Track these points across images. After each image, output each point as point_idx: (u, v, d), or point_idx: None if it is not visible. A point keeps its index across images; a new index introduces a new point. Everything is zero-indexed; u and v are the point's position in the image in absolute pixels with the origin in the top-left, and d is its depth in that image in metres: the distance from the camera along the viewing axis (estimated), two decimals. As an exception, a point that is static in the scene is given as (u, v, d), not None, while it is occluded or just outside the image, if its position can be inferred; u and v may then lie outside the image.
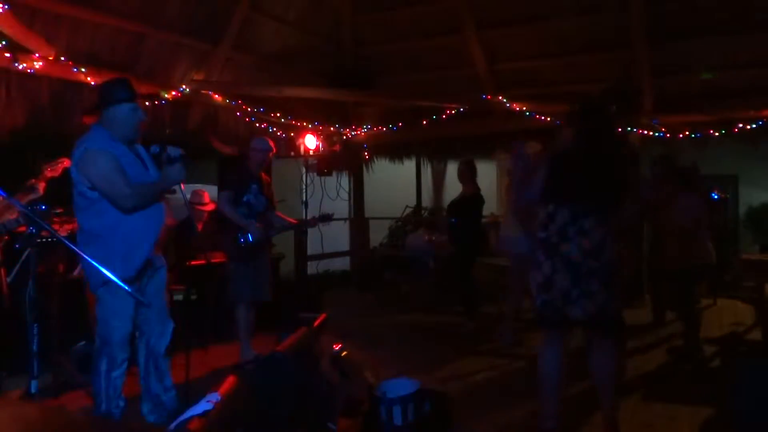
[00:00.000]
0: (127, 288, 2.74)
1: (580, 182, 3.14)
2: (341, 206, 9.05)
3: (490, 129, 7.86)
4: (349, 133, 8.64)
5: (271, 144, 5.05)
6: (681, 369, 4.69)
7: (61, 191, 4.76)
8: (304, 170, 8.59)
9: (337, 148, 8.12)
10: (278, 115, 7.47)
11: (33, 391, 3.24)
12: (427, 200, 11.57)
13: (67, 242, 2.69)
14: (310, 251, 8.17)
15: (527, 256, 4.87)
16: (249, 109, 7.13)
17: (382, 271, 8.74)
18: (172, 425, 2.85)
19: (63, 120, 5.46)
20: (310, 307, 6.27)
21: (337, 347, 3.52)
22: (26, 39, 4.93)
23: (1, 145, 5.25)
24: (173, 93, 6.23)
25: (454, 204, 6.33)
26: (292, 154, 8.17)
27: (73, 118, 5.41)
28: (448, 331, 5.96)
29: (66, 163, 3.95)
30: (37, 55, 5.00)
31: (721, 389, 4.23)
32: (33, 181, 3.97)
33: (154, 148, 3.40)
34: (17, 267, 4.12)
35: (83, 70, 5.35)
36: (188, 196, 5.57)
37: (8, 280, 4.13)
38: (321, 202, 7.80)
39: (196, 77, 6.57)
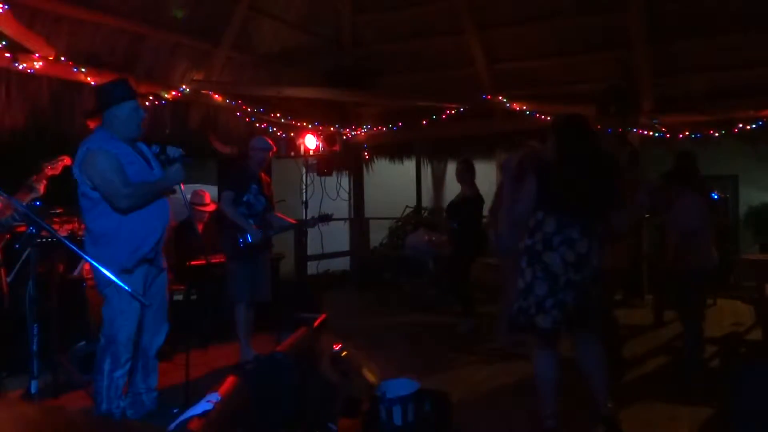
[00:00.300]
0: (128, 288, 2.75)
1: (565, 193, 3.16)
2: (341, 206, 9.05)
3: (490, 129, 7.86)
4: (349, 133, 8.64)
5: (271, 143, 5.05)
6: (681, 369, 4.69)
7: (61, 191, 4.78)
8: (304, 170, 8.59)
9: (337, 148, 8.12)
10: (278, 115, 7.48)
11: (33, 391, 3.23)
12: (427, 200, 11.56)
13: (66, 242, 2.69)
14: (310, 251, 8.18)
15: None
16: (249, 109, 7.13)
17: (382, 271, 8.74)
18: (172, 425, 2.85)
19: (63, 120, 5.47)
20: (310, 307, 6.26)
21: (337, 347, 3.52)
22: (26, 39, 4.93)
23: (1, 145, 5.25)
24: (173, 93, 6.23)
25: (453, 205, 6.32)
26: (292, 154, 8.18)
27: (73, 118, 5.42)
28: (448, 331, 5.96)
29: (66, 161, 3.95)
30: (37, 55, 5.00)
31: (721, 389, 4.24)
32: (34, 179, 3.97)
33: (154, 148, 3.43)
34: (17, 267, 4.12)
35: (83, 70, 5.35)
36: (188, 196, 5.59)
37: (8, 280, 4.13)
38: (321, 202, 7.81)
39: (196, 77, 6.58)
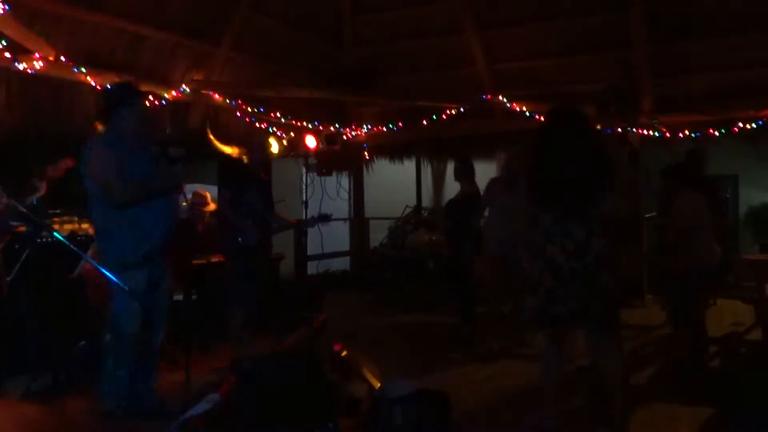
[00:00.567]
0: (125, 287, 2.76)
1: (555, 185, 3.17)
2: (341, 206, 9.05)
3: (490, 129, 7.86)
4: (349, 133, 8.64)
5: (270, 142, 5.04)
6: (681, 369, 4.68)
7: (62, 191, 4.78)
8: (304, 170, 8.58)
9: (337, 148, 8.12)
10: (278, 115, 7.47)
11: (33, 391, 3.24)
12: (427, 200, 11.56)
13: (66, 242, 2.69)
14: (310, 251, 8.16)
15: (505, 256, 4.90)
16: (249, 109, 7.13)
17: (382, 271, 8.74)
18: (172, 425, 2.85)
19: (63, 120, 5.47)
20: (310, 307, 6.26)
21: (337, 348, 3.53)
22: (26, 39, 4.93)
23: (1, 145, 5.25)
24: (173, 93, 6.23)
25: (452, 203, 6.30)
26: (292, 154, 8.17)
27: (74, 118, 5.43)
28: (448, 332, 5.95)
29: (68, 163, 3.96)
30: (37, 55, 5.00)
31: (721, 389, 4.24)
32: (36, 180, 3.97)
33: (156, 148, 3.44)
34: (17, 267, 4.12)
35: (83, 70, 5.35)
36: (188, 196, 5.58)
37: (8, 279, 4.13)
38: (321, 202, 7.80)
39: (196, 77, 6.57)
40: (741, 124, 6.70)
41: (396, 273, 8.44)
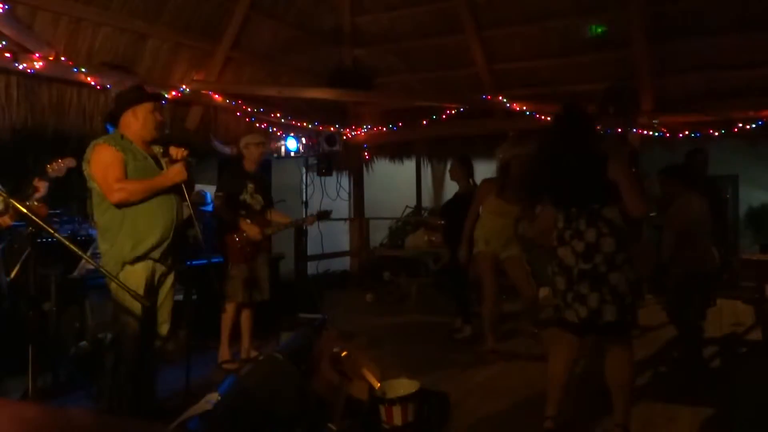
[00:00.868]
0: (125, 287, 2.76)
1: (563, 185, 3.18)
2: (341, 206, 9.05)
3: (490, 129, 7.86)
4: (349, 133, 8.64)
5: (265, 137, 5.05)
6: (681, 369, 4.68)
7: (62, 191, 4.77)
8: (304, 170, 8.59)
9: (337, 148, 8.13)
10: (278, 115, 7.47)
11: (33, 391, 3.24)
12: (427, 200, 11.57)
13: (66, 242, 2.69)
14: (310, 251, 8.17)
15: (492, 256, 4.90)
16: (249, 109, 7.13)
17: (382, 271, 8.74)
18: (173, 425, 2.85)
19: (63, 120, 5.47)
20: (310, 307, 6.26)
21: (337, 347, 3.52)
22: (26, 39, 4.93)
23: (1, 145, 5.25)
24: (173, 93, 6.23)
25: (447, 204, 6.30)
26: (292, 154, 8.18)
27: (74, 118, 5.43)
28: (448, 332, 5.95)
29: (69, 162, 3.95)
30: (37, 55, 5.00)
31: (721, 389, 4.24)
32: (36, 180, 3.97)
33: (158, 148, 3.47)
34: (17, 267, 4.11)
35: (83, 70, 5.35)
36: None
37: (8, 279, 4.12)
38: (321, 202, 7.80)
39: (196, 77, 6.57)
40: (741, 124, 6.69)
41: (396, 273, 8.44)
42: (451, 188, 8.90)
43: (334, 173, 8.63)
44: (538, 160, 3.44)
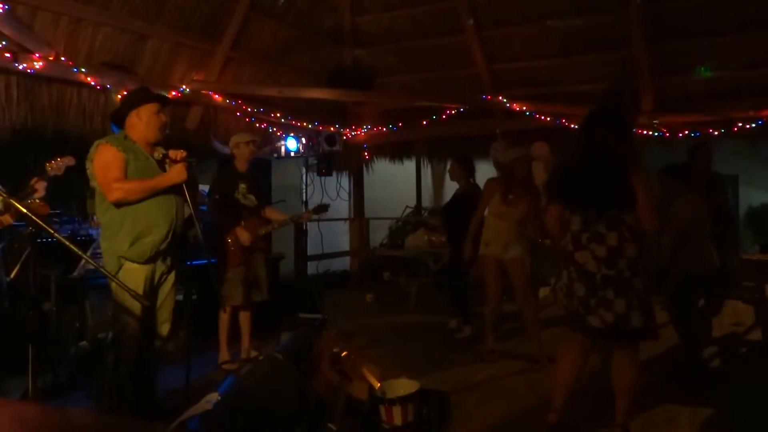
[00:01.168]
0: (125, 287, 2.76)
1: (585, 187, 3.13)
2: (341, 206, 9.05)
3: (490, 129, 7.85)
4: (349, 133, 8.64)
5: (255, 134, 5.04)
6: (681, 369, 4.67)
7: (62, 191, 4.77)
8: (304, 170, 8.59)
9: (337, 148, 8.13)
10: (278, 115, 7.48)
11: (33, 391, 3.23)
12: (427, 200, 11.57)
13: (66, 242, 2.69)
14: (310, 251, 8.17)
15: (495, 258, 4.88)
16: (249, 109, 7.13)
17: (382, 271, 8.74)
18: (172, 425, 2.85)
19: (63, 120, 5.47)
20: (310, 307, 6.26)
21: (336, 347, 3.52)
22: (26, 39, 4.93)
23: (1, 145, 5.25)
24: (173, 93, 6.23)
25: (448, 204, 6.28)
26: (292, 154, 8.18)
27: (73, 118, 5.43)
28: (448, 332, 5.95)
29: (69, 161, 3.96)
30: (37, 55, 5.00)
31: (721, 389, 4.23)
32: (35, 179, 3.96)
33: (158, 149, 3.47)
34: (17, 267, 4.12)
35: (83, 70, 5.35)
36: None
37: (8, 279, 4.13)
38: (321, 203, 7.80)
39: (196, 77, 6.58)
40: (741, 124, 6.69)
41: (396, 273, 8.45)
42: (451, 188, 8.90)
43: (334, 173, 8.62)
44: (572, 161, 3.31)
